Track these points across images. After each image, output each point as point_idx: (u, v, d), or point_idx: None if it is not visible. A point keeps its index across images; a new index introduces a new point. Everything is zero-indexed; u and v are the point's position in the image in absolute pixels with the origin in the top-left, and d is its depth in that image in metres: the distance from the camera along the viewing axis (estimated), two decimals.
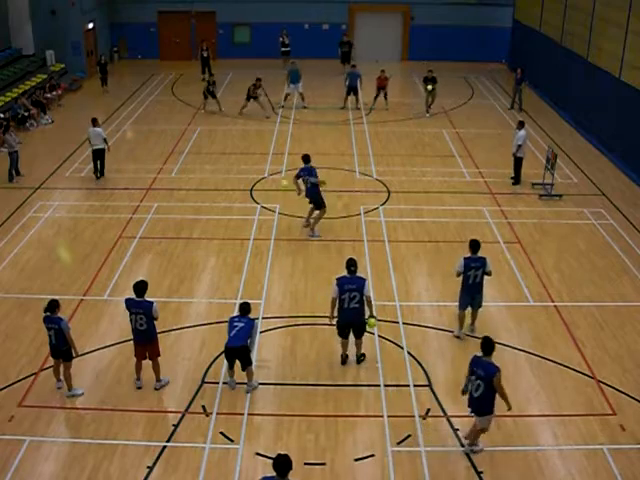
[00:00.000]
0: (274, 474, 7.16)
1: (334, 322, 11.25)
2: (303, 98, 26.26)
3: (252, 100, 25.06)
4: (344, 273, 11.16)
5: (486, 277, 11.96)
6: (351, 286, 10.96)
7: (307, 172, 15.63)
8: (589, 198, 18.32)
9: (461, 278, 11.88)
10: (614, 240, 15.88)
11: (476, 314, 12.23)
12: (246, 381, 10.72)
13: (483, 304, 12.54)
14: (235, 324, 10.47)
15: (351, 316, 11.08)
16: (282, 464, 7.16)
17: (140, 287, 10.43)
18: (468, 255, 11.87)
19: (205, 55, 30.34)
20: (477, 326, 12.25)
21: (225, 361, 10.81)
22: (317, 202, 15.76)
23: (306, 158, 15.91)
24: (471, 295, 11.93)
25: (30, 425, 9.98)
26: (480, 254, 11.92)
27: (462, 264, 11.76)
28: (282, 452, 7.42)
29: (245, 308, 10.65)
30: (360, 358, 11.48)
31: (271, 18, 33.37)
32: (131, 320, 10.40)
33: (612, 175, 20.09)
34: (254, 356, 11.35)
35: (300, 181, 15.75)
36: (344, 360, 11.46)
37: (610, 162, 21.03)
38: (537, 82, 29.01)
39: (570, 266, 14.71)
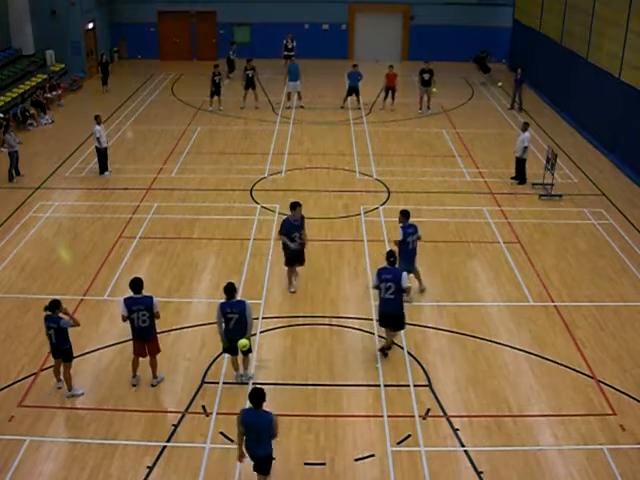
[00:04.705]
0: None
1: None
2: (300, 97, 26.28)
3: (250, 90, 25.48)
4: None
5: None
6: (387, 276, 11.11)
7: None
8: (589, 198, 18.32)
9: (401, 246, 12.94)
10: (614, 240, 15.87)
11: (419, 274, 13.39)
12: (242, 373, 10.83)
13: (483, 304, 12.81)
14: (229, 315, 10.30)
15: (386, 307, 11.24)
16: (257, 396, 8.12)
17: (137, 284, 10.41)
18: (405, 224, 13.06)
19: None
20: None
21: (227, 355, 10.87)
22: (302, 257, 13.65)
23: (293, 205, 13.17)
24: (411, 260, 13.03)
25: (30, 425, 9.98)
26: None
27: (402, 233, 12.89)
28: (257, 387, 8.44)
29: (231, 290, 10.35)
30: (386, 350, 11.57)
31: (271, 18, 33.39)
32: (132, 319, 10.36)
33: (612, 175, 20.08)
34: (254, 354, 11.40)
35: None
36: (388, 348, 11.62)
37: (610, 162, 21.02)
38: (537, 82, 29.01)
39: (570, 266, 14.71)
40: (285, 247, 13.20)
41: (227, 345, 10.65)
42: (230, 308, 10.35)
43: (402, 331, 11.76)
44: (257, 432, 8.24)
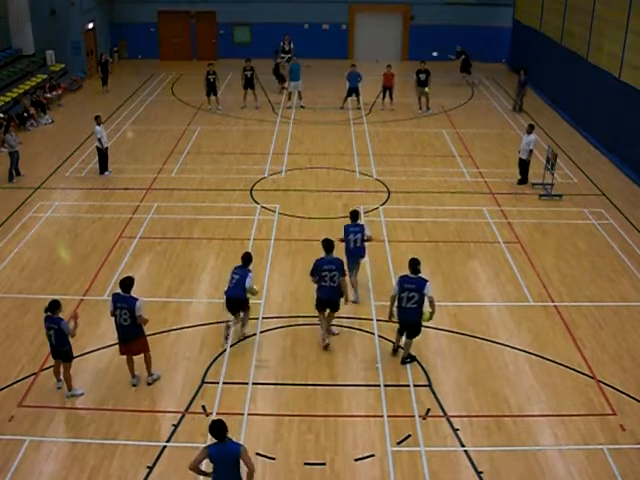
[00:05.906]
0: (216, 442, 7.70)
1: (394, 319, 11.32)
2: (301, 97, 26.28)
3: (249, 90, 25.56)
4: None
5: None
6: (410, 286, 10.89)
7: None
8: (589, 198, 18.31)
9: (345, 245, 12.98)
10: (614, 240, 15.87)
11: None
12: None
13: (483, 304, 12.70)
14: (234, 276, 11.52)
15: (407, 316, 11.07)
16: (217, 428, 7.64)
17: (126, 283, 10.46)
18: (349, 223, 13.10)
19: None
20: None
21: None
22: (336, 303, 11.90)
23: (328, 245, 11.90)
24: (355, 260, 13.06)
25: (30, 425, 9.99)
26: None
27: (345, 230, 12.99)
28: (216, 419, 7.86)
29: (246, 258, 11.66)
30: (406, 360, 11.39)
31: (271, 18, 33.39)
32: (115, 315, 10.42)
33: (612, 175, 20.08)
34: (254, 354, 11.42)
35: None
36: (395, 350, 11.62)
37: (610, 162, 21.02)
38: (537, 82, 28.98)
39: (570, 266, 14.71)
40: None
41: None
42: (237, 270, 11.54)
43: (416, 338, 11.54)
44: (226, 466, 7.67)
